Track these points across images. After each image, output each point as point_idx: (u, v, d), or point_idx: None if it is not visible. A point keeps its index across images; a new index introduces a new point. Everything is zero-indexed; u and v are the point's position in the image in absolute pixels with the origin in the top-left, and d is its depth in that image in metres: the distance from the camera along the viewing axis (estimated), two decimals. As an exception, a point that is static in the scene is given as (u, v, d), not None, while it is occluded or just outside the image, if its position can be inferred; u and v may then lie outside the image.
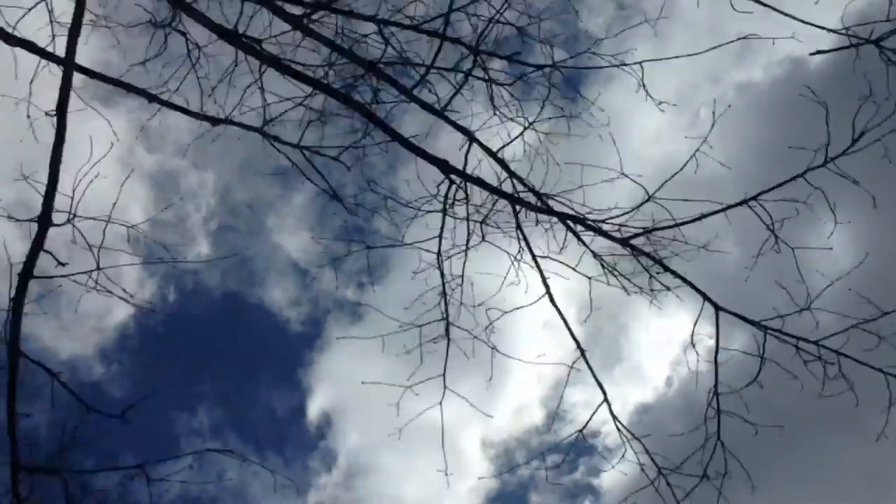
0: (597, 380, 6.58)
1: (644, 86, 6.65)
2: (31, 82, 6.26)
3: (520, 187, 6.89)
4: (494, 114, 6.99)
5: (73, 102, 6.03)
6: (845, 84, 6.67)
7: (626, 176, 6.62)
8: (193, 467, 6.27)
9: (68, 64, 5.95)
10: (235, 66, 6.82)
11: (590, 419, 6.58)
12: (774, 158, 7.79)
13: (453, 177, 6.73)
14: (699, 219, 6.75)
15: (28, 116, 6.23)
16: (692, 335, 6.94)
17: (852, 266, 6.70)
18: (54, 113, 5.93)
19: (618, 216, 6.62)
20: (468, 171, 6.72)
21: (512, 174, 6.81)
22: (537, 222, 6.78)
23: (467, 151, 6.79)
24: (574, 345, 6.58)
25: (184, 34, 6.79)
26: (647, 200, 6.58)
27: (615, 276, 6.86)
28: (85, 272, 6.16)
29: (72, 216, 6.12)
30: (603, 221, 6.61)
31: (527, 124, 6.97)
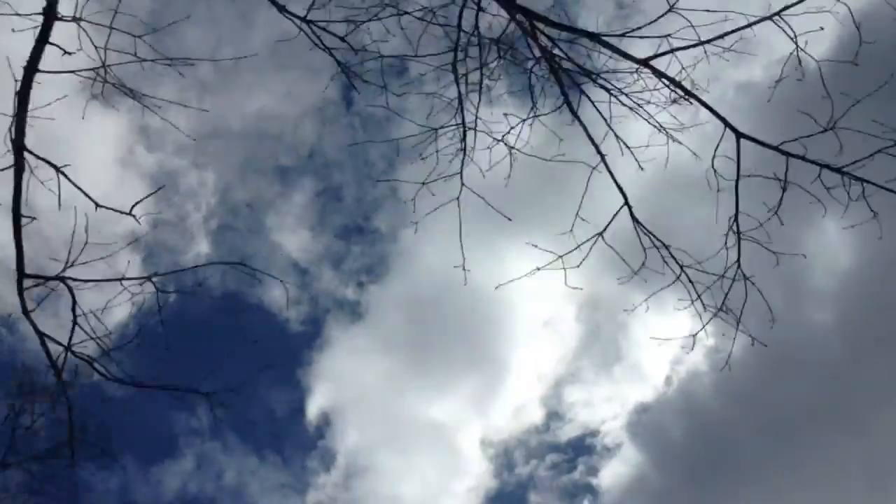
0: (616, 184, 6.41)
1: None
2: None
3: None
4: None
5: None
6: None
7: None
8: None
9: None
10: None
11: (610, 221, 6.40)
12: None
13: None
14: (721, 37, 6.59)
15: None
16: (713, 160, 6.81)
17: (878, 85, 6.56)
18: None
19: (636, 29, 6.44)
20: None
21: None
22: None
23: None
24: (594, 149, 6.38)
25: None
26: (669, 11, 6.42)
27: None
28: (90, 69, 5.97)
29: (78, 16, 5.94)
30: (622, 35, 6.42)
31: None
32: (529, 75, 6.62)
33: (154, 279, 6.23)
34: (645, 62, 6.71)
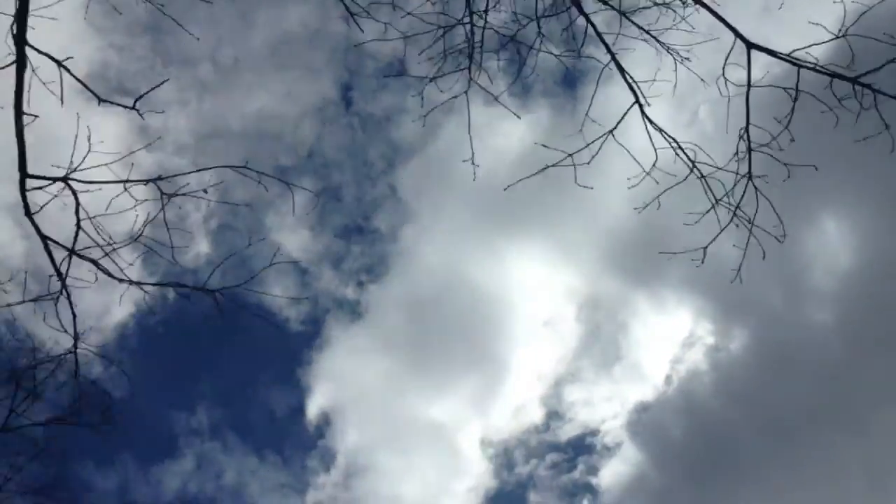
0: (627, 82, 6.33)
1: None
2: None
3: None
4: None
5: None
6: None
7: None
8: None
9: None
10: None
11: (622, 119, 6.32)
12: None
13: None
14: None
15: None
16: (723, 68, 6.73)
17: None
18: None
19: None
20: None
21: None
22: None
23: None
24: (605, 50, 6.29)
25: None
26: None
27: None
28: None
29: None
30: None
31: None
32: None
33: (158, 182, 6.14)
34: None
